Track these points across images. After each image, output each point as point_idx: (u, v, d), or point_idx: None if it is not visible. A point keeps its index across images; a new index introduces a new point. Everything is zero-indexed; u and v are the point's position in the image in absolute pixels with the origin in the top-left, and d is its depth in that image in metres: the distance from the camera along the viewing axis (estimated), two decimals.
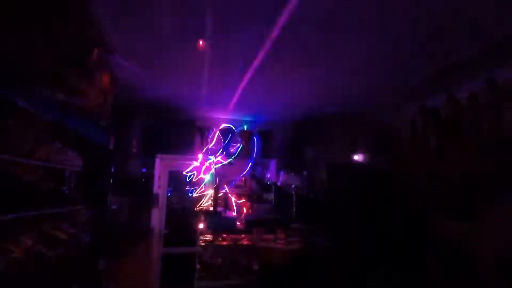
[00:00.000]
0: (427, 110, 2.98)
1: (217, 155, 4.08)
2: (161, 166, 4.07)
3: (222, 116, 4.13)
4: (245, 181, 3.97)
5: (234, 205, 3.91)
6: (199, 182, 3.95)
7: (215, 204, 3.53)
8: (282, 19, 1.87)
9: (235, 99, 3.38)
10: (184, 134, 3.95)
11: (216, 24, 1.95)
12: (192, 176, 3.88)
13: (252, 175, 4.09)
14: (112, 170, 3.75)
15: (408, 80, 2.92)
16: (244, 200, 3.89)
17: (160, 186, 3.95)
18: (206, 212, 3.33)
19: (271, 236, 3.12)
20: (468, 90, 2.55)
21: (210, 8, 1.80)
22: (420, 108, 3.02)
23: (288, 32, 2.01)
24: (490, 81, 2.34)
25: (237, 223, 3.26)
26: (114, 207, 3.69)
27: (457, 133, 2.61)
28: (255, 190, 3.92)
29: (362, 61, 2.53)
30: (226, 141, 4.20)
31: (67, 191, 2.96)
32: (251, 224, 3.10)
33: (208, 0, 1.73)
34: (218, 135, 4.25)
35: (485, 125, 2.41)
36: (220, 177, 3.95)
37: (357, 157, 3.92)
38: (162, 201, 3.98)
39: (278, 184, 3.79)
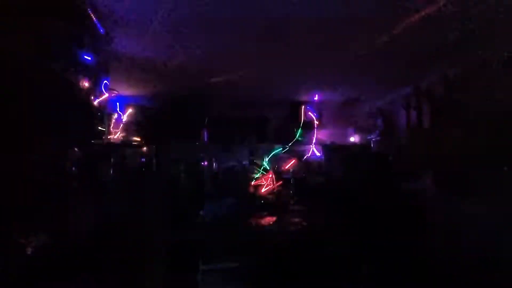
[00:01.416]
0: (421, 91, 3.03)
1: (215, 142, 4.12)
2: (161, 155, 4.12)
3: (221, 103, 4.14)
4: (244, 167, 4.04)
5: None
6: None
7: (216, 191, 3.61)
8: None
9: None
10: (184, 123, 3.97)
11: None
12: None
13: (250, 161, 4.15)
14: (112, 161, 3.80)
15: (402, 61, 2.92)
16: None
17: (161, 175, 4.02)
18: (206, 199, 3.42)
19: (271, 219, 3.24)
20: (460, 69, 2.58)
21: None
22: (414, 89, 3.06)
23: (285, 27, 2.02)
24: (481, 59, 2.37)
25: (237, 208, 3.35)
26: (117, 197, 3.76)
27: (450, 111, 2.66)
28: (253, 176, 4.00)
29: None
30: (225, 128, 4.23)
31: (69, 185, 3.01)
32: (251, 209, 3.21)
33: None
34: (218, 123, 4.28)
35: (477, 101, 2.46)
36: (219, 164, 4.02)
37: (353, 139, 4.00)
38: (164, 189, 4.05)
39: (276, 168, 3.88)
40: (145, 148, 3.99)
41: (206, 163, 4.17)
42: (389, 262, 2.23)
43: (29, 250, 1.81)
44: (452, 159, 2.64)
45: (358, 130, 4.01)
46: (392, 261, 2.23)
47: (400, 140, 3.45)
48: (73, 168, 3.24)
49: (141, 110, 4.00)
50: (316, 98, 4.00)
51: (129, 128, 3.94)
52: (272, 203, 3.33)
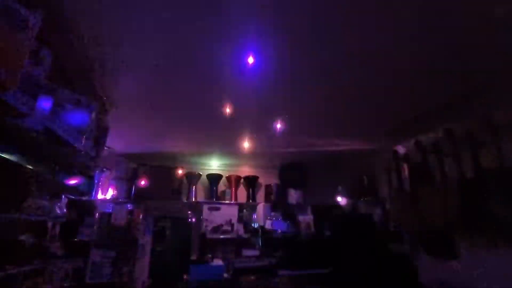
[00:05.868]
0: (399, 156, 3.25)
1: (204, 200, 4.11)
2: (146, 212, 4.03)
3: (208, 162, 4.26)
4: (232, 226, 3.96)
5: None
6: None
7: (202, 252, 3.48)
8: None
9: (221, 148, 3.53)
10: (170, 180, 4.00)
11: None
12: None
13: (239, 219, 4.10)
14: (97, 218, 3.68)
15: (380, 127, 3.21)
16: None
17: (145, 233, 3.87)
18: (192, 261, 3.27)
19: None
20: (432, 138, 2.85)
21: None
22: (393, 154, 3.29)
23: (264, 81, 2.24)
24: (447, 132, 2.65)
25: (224, 272, 3.20)
26: (96, 258, 3.55)
27: (425, 176, 2.84)
28: (242, 235, 3.91)
29: (336, 109, 2.79)
30: (213, 187, 4.26)
31: (48, 244, 2.87)
32: (238, 272, 3.07)
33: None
34: (205, 181, 4.32)
35: (447, 169, 2.67)
36: (207, 223, 3.94)
37: (340, 199, 4.07)
38: (147, 249, 3.86)
39: (265, 228, 3.82)
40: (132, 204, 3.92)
41: (194, 219, 4.08)
42: None
43: None
44: (430, 221, 2.74)
45: (344, 191, 4.13)
46: None
47: (384, 202, 3.56)
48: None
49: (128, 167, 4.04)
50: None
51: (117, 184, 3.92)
52: (260, 266, 3.20)
